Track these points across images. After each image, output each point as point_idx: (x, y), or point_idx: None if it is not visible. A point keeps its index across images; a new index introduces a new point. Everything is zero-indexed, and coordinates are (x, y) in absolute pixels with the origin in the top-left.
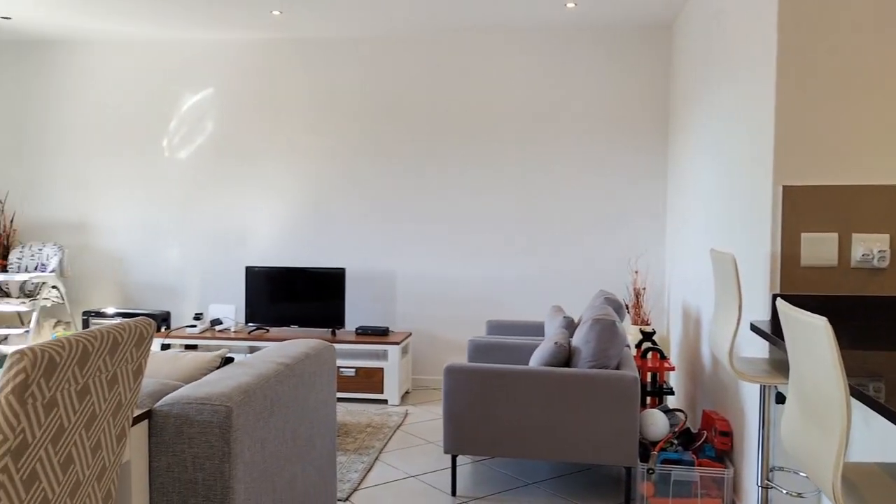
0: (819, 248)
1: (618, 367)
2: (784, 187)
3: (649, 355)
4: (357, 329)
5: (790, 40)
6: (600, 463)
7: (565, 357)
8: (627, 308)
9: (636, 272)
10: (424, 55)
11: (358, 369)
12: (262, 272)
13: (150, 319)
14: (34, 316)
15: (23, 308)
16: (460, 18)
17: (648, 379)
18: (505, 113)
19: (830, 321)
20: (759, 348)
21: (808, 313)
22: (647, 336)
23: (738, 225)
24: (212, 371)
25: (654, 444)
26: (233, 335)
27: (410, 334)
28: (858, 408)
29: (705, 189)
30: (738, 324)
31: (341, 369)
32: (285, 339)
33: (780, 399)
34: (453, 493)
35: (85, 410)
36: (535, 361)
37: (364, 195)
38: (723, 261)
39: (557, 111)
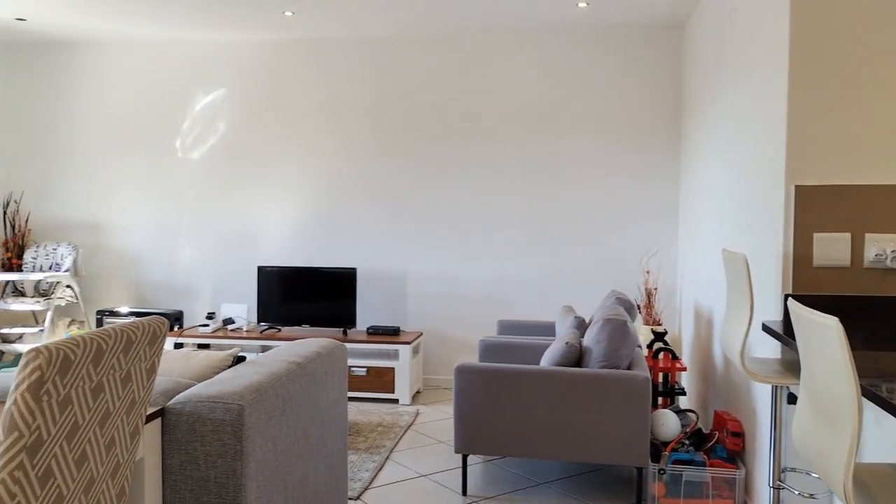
0: (831, 248)
1: (629, 368)
2: (797, 187)
3: (661, 355)
4: (368, 329)
5: (803, 40)
6: (611, 463)
7: (576, 357)
8: (639, 308)
9: (648, 272)
10: (438, 55)
11: (369, 369)
12: (274, 272)
13: (163, 318)
14: (49, 315)
15: (37, 307)
16: (475, 19)
17: (660, 379)
18: (517, 113)
19: (842, 321)
20: (770, 349)
21: (820, 313)
22: (659, 336)
23: (751, 225)
24: (224, 370)
25: (666, 444)
26: (245, 334)
27: (421, 334)
28: (870, 408)
29: (717, 189)
30: (749, 324)
31: (352, 369)
32: (297, 339)
33: (792, 399)
34: (464, 492)
35: (99, 408)
36: (545, 361)
37: (376, 195)
38: (735, 261)
39: (571, 111)
